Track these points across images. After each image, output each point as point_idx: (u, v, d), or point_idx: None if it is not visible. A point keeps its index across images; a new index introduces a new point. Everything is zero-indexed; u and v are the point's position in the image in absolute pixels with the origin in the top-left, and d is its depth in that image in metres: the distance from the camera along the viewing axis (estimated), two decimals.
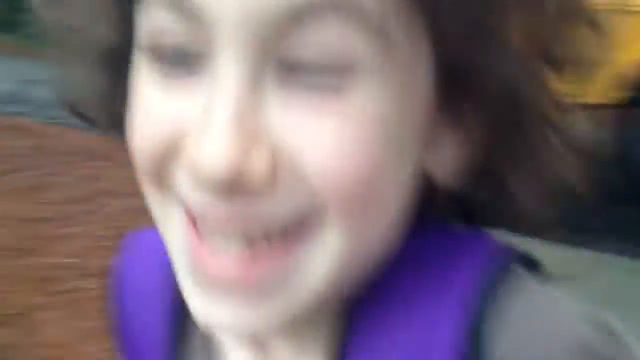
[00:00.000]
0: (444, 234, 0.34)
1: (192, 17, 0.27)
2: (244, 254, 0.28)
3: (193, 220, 0.29)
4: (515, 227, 0.35)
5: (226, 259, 0.28)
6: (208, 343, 0.38)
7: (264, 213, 0.28)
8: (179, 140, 0.28)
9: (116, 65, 0.33)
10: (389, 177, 0.29)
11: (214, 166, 0.26)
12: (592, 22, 0.30)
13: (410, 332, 0.31)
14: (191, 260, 0.30)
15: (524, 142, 0.31)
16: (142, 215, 0.35)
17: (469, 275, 0.32)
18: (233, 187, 0.26)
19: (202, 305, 0.30)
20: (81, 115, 0.37)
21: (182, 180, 0.29)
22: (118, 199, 2.93)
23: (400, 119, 0.29)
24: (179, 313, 0.37)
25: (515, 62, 0.28)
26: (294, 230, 0.28)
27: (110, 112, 0.35)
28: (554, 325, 0.30)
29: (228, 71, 0.26)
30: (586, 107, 0.33)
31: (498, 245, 0.33)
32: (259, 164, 0.27)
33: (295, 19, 0.26)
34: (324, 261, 0.29)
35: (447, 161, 0.32)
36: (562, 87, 0.32)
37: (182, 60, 0.28)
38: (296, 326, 0.32)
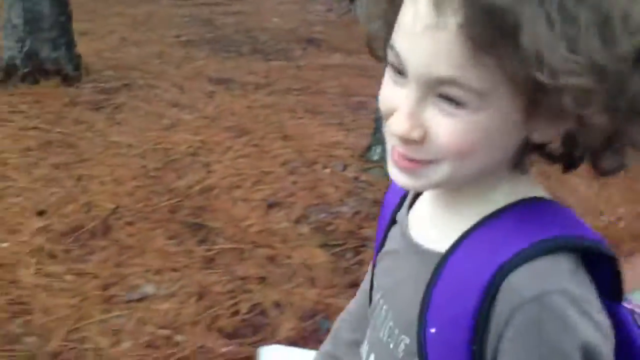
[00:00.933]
0: (538, 208, 0.63)
1: (401, 63, 0.58)
2: (407, 161, 0.60)
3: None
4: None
5: (401, 160, 0.61)
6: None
7: (416, 153, 0.59)
8: (392, 110, 0.60)
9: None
10: (483, 148, 0.57)
11: (395, 131, 0.59)
12: None
13: (484, 253, 0.60)
14: (392, 157, 0.62)
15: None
16: None
17: (525, 240, 0.58)
18: (403, 140, 0.59)
19: (394, 175, 0.63)
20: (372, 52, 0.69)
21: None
22: None
23: (491, 125, 0.56)
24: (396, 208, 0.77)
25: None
26: (427, 161, 0.60)
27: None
28: (538, 301, 0.56)
29: (410, 93, 0.57)
30: None
31: (567, 230, 0.61)
32: (416, 134, 0.58)
33: (439, 82, 0.55)
34: (436, 174, 0.60)
35: (542, 134, 0.59)
36: None
37: (400, 75, 0.59)
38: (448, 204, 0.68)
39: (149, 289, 2.50)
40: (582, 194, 3.07)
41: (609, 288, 0.62)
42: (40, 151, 3.53)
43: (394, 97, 0.59)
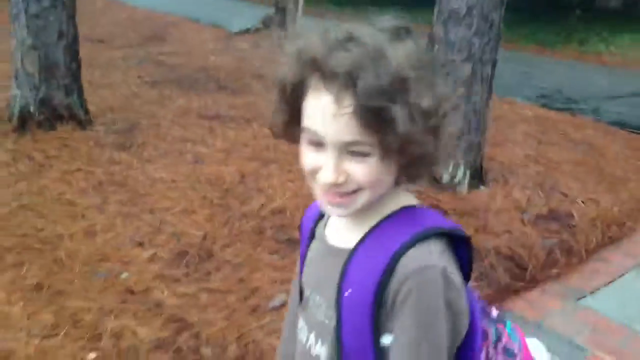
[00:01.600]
0: (413, 211, 0.94)
1: (319, 137, 0.86)
2: (339, 197, 0.89)
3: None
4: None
5: (335, 198, 0.89)
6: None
7: (343, 189, 0.87)
8: (317, 169, 0.88)
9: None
10: (383, 179, 0.88)
11: (326, 180, 0.87)
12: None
13: (381, 244, 0.90)
14: (325, 199, 0.90)
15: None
16: None
17: (407, 233, 0.89)
18: (333, 186, 0.87)
19: (330, 211, 0.93)
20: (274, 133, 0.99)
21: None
22: None
23: (384, 165, 0.86)
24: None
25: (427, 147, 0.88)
26: (353, 193, 0.88)
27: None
28: (419, 273, 0.86)
29: (331, 154, 0.85)
30: None
31: (433, 223, 0.92)
32: (342, 179, 0.86)
33: (347, 144, 0.84)
34: (360, 200, 0.88)
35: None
36: None
37: (318, 145, 0.87)
38: (355, 218, 0.95)
39: (284, 296, 2.84)
40: None
41: (468, 267, 0.97)
42: (97, 191, 3.68)
43: (317, 160, 0.89)
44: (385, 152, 0.84)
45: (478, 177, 3.91)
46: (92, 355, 2.43)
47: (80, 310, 2.63)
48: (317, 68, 0.83)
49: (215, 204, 3.63)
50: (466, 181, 3.82)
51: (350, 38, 0.83)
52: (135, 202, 3.59)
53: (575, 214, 3.65)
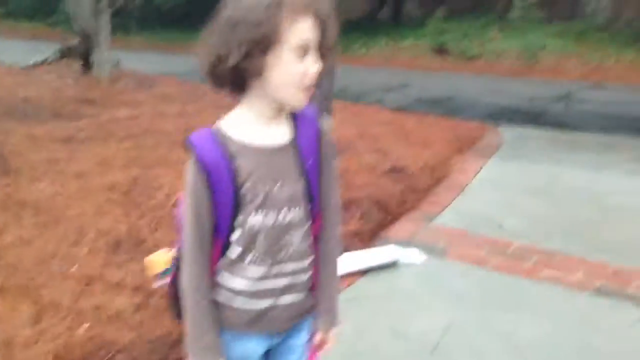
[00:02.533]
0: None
1: (310, 44, 1.23)
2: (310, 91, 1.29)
3: None
4: None
5: (310, 91, 1.28)
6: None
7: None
8: (305, 73, 1.23)
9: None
10: None
11: (317, 70, 1.24)
12: None
13: (307, 129, 1.35)
14: (303, 96, 1.27)
15: None
16: None
17: (311, 113, 1.37)
18: (313, 81, 1.26)
19: (303, 102, 1.28)
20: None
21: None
22: None
23: None
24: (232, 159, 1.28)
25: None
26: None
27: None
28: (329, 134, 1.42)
29: (313, 54, 1.23)
30: None
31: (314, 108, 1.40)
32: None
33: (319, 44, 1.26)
34: None
35: None
36: None
37: (305, 52, 1.22)
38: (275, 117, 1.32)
39: None
40: None
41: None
42: (4, 210, 3.87)
43: (302, 66, 1.20)
44: (322, 49, 1.24)
45: None
46: (85, 325, 2.82)
47: (54, 297, 2.96)
48: (292, 5, 1.18)
49: (122, 204, 4.06)
50: None
51: None
52: (46, 214, 3.86)
53: (409, 166, 4.79)
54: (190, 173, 1.28)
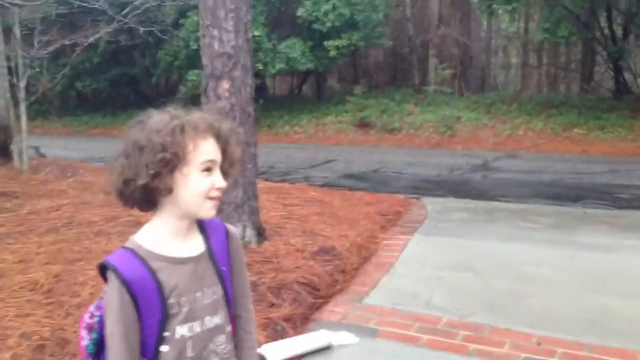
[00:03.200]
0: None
1: (214, 162, 1.37)
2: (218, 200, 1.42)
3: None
4: None
5: (217, 201, 1.42)
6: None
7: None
8: (210, 187, 1.36)
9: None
10: None
11: (223, 185, 1.37)
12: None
13: (217, 235, 1.49)
14: (213, 205, 1.39)
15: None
16: None
17: (217, 221, 1.50)
18: (220, 191, 1.39)
19: (211, 212, 1.41)
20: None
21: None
22: None
23: None
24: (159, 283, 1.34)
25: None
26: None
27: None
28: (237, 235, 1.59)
29: (218, 171, 1.38)
30: None
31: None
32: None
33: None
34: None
35: None
36: None
37: (210, 169, 1.36)
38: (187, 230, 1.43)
39: None
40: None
41: None
42: None
43: (209, 180, 1.33)
44: (225, 167, 1.39)
45: (261, 234, 4.92)
46: None
47: None
48: (195, 129, 1.32)
49: (45, 304, 3.92)
50: (254, 239, 4.79)
51: (178, 114, 1.35)
52: None
53: (336, 247, 4.89)
54: (114, 298, 1.30)
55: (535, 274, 4.62)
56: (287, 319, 3.78)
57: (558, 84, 22.95)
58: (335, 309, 4.04)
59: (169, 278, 1.34)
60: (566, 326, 3.67)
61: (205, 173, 1.33)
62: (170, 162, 1.29)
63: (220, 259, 1.44)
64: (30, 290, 4.11)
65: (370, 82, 21.22)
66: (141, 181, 1.28)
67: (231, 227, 1.53)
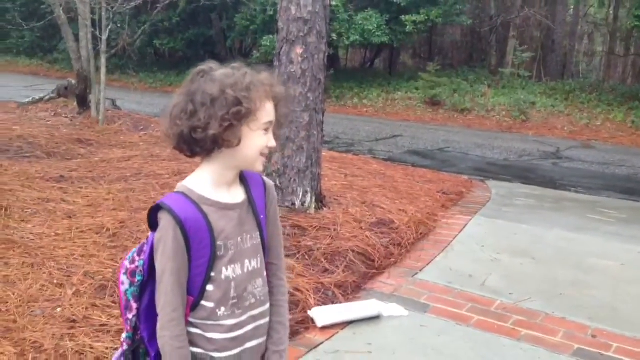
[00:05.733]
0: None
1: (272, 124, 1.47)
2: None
3: None
4: None
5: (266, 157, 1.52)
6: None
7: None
8: (265, 144, 1.45)
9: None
10: None
11: (275, 145, 1.48)
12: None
13: (257, 187, 1.56)
14: (261, 161, 1.48)
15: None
16: None
17: (259, 174, 1.58)
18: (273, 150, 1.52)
19: (262, 166, 1.50)
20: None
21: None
22: None
23: None
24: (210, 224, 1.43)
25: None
26: None
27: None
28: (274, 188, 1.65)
29: (271, 133, 1.48)
30: None
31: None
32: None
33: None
34: None
35: None
36: None
37: (268, 129, 1.45)
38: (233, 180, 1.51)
39: None
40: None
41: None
42: (3, 249, 3.89)
43: (265, 139, 1.42)
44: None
45: (321, 201, 4.95)
46: None
47: (36, 339, 2.98)
48: (264, 90, 1.40)
49: (110, 247, 4.09)
50: (313, 205, 4.82)
51: (244, 70, 1.42)
52: (33, 254, 3.88)
53: (394, 220, 4.86)
54: (168, 237, 1.37)
55: (600, 266, 4.45)
56: (338, 286, 3.81)
57: None
58: (387, 281, 4.03)
59: (218, 221, 1.41)
60: (625, 322, 3.53)
61: (264, 132, 1.42)
62: (245, 116, 1.36)
63: (259, 208, 1.52)
64: (97, 233, 4.30)
65: (445, 60, 20.74)
66: (212, 131, 1.35)
67: (268, 180, 1.60)
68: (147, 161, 6.60)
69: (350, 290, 3.82)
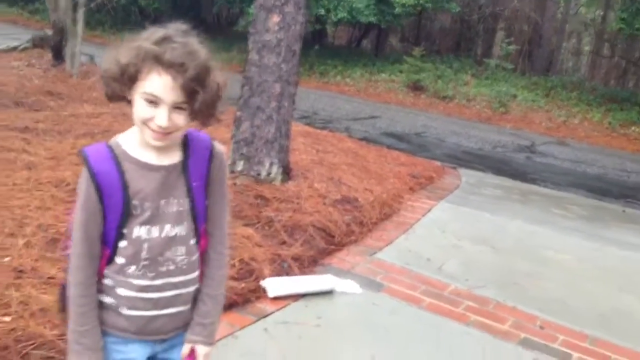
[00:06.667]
0: (194, 131, 1.52)
1: (157, 98, 1.33)
2: (163, 135, 1.37)
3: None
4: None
5: (161, 136, 1.37)
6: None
7: (167, 131, 1.36)
8: (150, 118, 1.34)
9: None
10: (187, 123, 1.42)
11: (162, 126, 1.33)
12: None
13: (200, 152, 1.49)
14: (152, 134, 1.36)
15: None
16: None
17: (206, 137, 1.51)
18: (164, 128, 1.34)
19: (154, 142, 1.37)
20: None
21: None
22: None
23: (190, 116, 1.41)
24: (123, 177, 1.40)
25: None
26: (171, 133, 1.37)
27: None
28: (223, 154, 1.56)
29: (164, 109, 1.33)
30: None
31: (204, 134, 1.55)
32: (172, 126, 1.35)
33: (177, 104, 1.34)
34: (175, 136, 1.40)
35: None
36: None
37: (153, 102, 1.33)
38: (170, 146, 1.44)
39: None
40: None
41: None
42: None
43: (151, 112, 1.32)
44: (194, 109, 1.36)
45: (287, 173, 4.91)
46: (7, 318, 2.77)
47: None
48: (157, 60, 1.30)
49: (67, 201, 4.00)
50: (279, 177, 4.78)
51: (169, 38, 1.33)
52: None
53: (359, 199, 4.84)
54: (82, 183, 1.38)
55: (556, 259, 4.50)
56: (295, 259, 3.79)
57: (627, 79, 21.97)
58: (345, 258, 4.02)
59: (136, 180, 1.39)
60: (575, 316, 3.58)
61: (147, 103, 1.33)
62: (125, 75, 1.33)
63: (194, 174, 1.46)
64: (56, 186, 4.21)
65: (432, 46, 20.69)
66: (108, 74, 1.36)
67: (218, 146, 1.53)
68: (117, 119, 6.48)
69: (307, 264, 3.81)
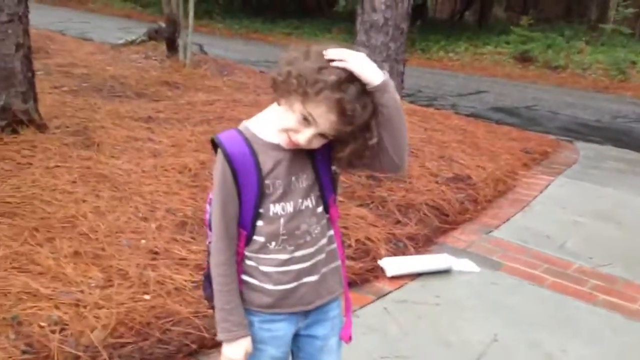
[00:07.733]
0: None
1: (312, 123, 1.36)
2: (294, 145, 1.42)
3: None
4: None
5: (292, 145, 1.42)
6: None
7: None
8: (295, 131, 1.38)
9: None
10: None
11: (302, 143, 1.39)
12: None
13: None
14: (287, 141, 1.42)
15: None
16: None
17: None
18: (298, 144, 1.40)
19: (287, 145, 1.43)
20: None
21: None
22: None
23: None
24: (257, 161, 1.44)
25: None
26: None
27: None
28: None
29: (311, 131, 1.37)
30: None
31: None
32: (310, 146, 1.41)
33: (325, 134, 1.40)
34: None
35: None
36: None
37: (306, 122, 1.36)
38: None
39: None
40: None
41: None
42: (84, 182, 4.13)
43: (298, 127, 1.36)
44: (338, 154, 1.44)
45: None
46: (147, 297, 3.01)
47: (122, 267, 3.17)
48: (337, 103, 1.32)
49: (191, 186, 4.25)
50: None
51: (351, 82, 1.33)
52: (121, 189, 4.09)
53: (472, 176, 4.77)
54: (218, 168, 1.45)
55: None
56: (410, 238, 3.81)
57: None
58: (460, 237, 3.99)
59: (267, 161, 1.44)
60: None
61: (302, 119, 1.36)
62: (297, 90, 1.34)
63: (316, 150, 1.48)
64: (179, 172, 4.47)
65: (540, 14, 19.72)
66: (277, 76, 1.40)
67: None
68: (229, 105, 6.74)
69: (422, 243, 3.82)
